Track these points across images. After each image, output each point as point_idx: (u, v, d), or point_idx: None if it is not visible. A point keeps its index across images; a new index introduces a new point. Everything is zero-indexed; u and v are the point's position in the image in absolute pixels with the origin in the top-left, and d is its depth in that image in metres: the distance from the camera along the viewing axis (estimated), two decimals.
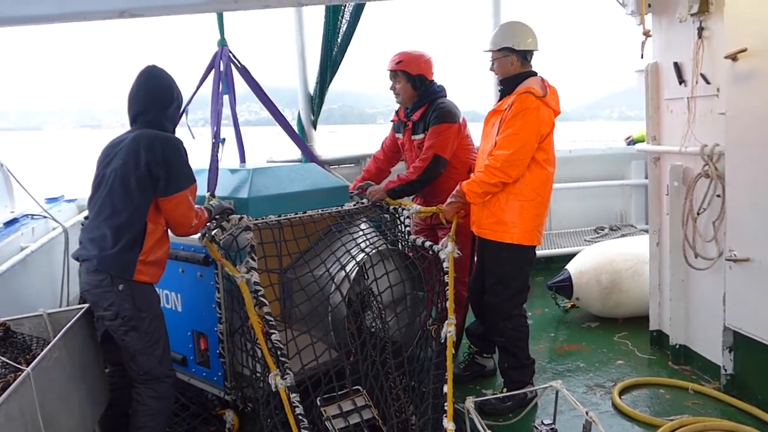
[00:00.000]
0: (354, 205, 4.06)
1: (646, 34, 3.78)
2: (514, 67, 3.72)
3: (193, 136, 3.94)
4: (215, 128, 3.79)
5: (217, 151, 3.72)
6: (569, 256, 5.45)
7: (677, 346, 4.23)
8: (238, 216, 3.35)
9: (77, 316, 2.83)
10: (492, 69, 3.84)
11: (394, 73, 4.26)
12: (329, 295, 3.41)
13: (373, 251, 3.59)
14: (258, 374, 3.16)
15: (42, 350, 2.51)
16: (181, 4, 3.99)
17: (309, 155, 5.07)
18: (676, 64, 3.99)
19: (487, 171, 3.57)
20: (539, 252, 5.30)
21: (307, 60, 5.58)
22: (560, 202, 6.45)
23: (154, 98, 3.02)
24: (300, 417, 2.85)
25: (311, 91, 5.58)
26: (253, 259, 3.20)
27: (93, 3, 3.82)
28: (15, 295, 3.89)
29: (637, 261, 4.88)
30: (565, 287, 5.02)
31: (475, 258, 4.05)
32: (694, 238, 3.89)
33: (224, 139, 3.85)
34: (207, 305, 3.39)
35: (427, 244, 3.80)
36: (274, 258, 3.43)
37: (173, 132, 3.10)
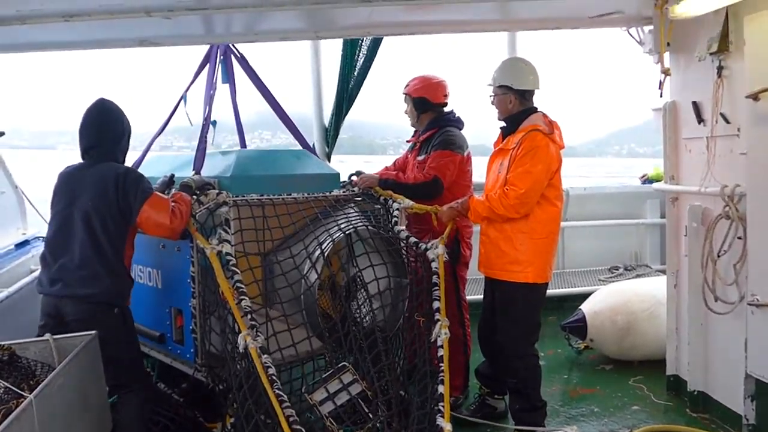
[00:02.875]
0: (343, 191, 3.95)
1: (665, 72, 3.75)
2: (512, 105, 3.71)
3: (191, 123, 4.06)
4: (206, 111, 3.85)
5: (206, 133, 3.76)
6: (583, 296, 5.36)
7: (695, 393, 4.10)
8: (217, 191, 3.32)
9: (83, 343, 2.78)
10: (492, 104, 3.82)
11: (404, 98, 4.38)
12: (305, 274, 3.29)
13: (352, 230, 3.46)
14: (231, 344, 3.08)
15: (45, 375, 2.48)
16: (200, 35, 4.06)
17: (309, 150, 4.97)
18: (694, 103, 3.95)
19: (498, 201, 3.53)
20: (552, 291, 5.20)
21: (323, 91, 5.59)
22: (574, 240, 6.39)
23: (107, 133, 3.20)
24: (273, 378, 2.77)
25: (326, 122, 5.57)
26: (227, 232, 3.17)
27: (114, 32, 3.88)
28: (25, 317, 3.85)
29: (653, 302, 4.76)
30: (579, 328, 4.91)
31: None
32: (714, 281, 3.79)
33: (215, 122, 3.92)
34: (184, 281, 3.35)
35: (412, 240, 3.64)
36: (254, 241, 3.33)
37: (124, 161, 3.31)
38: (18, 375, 2.57)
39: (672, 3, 3.48)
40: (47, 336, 2.85)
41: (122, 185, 3.06)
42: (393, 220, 3.79)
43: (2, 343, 2.66)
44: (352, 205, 3.83)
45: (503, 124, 3.82)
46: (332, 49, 5.53)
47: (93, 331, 2.91)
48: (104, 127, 3.20)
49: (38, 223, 4.69)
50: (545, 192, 3.58)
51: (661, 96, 3.99)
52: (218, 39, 4.05)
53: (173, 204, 3.15)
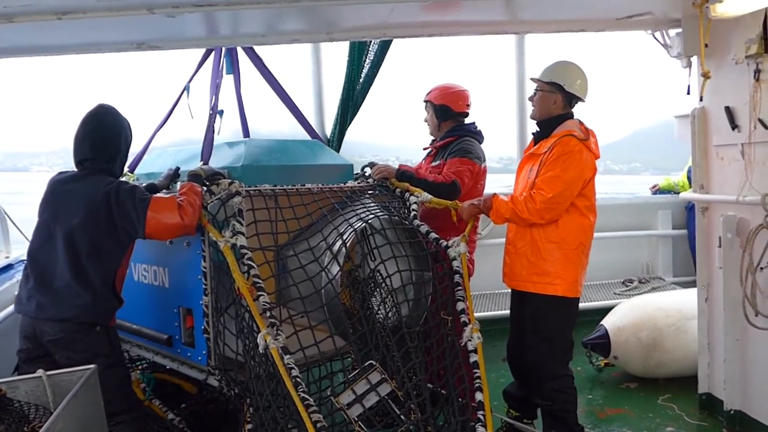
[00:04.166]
0: (358, 182, 3.75)
1: (706, 75, 3.55)
2: (556, 106, 3.53)
3: (192, 116, 3.96)
4: (213, 101, 3.72)
5: (213, 122, 3.63)
6: (598, 310, 5.21)
7: (732, 412, 3.88)
8: (229, 180, 3.12)
9: (82, 380, 2.44)
10: (532, 99, 3.62)
11: (425, 104, 4.22)
12: (326, 266, 3.06)
13: (373, 218, 3.23)
14: (248, 341, 2.86)
15: (41, 420, 2.23)
16: (203, 36, 3.78)
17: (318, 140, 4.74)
18: (727, 109, 3.76)
19: (523, 204, 3.35)
20: None
21: (324, 100, 5.34)
22: None
23: (102, 149, 2.99)
24: (297, 380, 2.55)
25: (328, 133, 5.31)
26: (240, 224, 2.96)
27: (110, 33, 3.58)
28: (11, 349, 3.52)
29: (679, 317, 4.56)
30: (602, 344, 4.69)
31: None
32: (755, 295, 3.58)
33: (222, 111, 3.75)
34: (194, 277, 3.12)
35: (433, 235, 3.40)
36: (268, 233, 3.11)
37: (121, 173, 3.15)
38: (9, 421, 2.26)
39: (713, 1, 3.27)
40: (40, 372, 2.50)
41: (116, 203, 2.87)
42: (411, 214, 3.54)
43: None
44: (368, 196, 3.60)
45: (536, 129, 3.64)
46: (332, 56, 5.30)
47: (92, 366, 2.56)
48: (100, 142, 3.00)
49: (23, 245, 4.35)
50: (576, 201, 3.41)
51: (701, 100, 3.78)
52: (222, 41, 3.78)
53: (181, 198, 2.94)
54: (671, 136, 5.88)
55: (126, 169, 3.80)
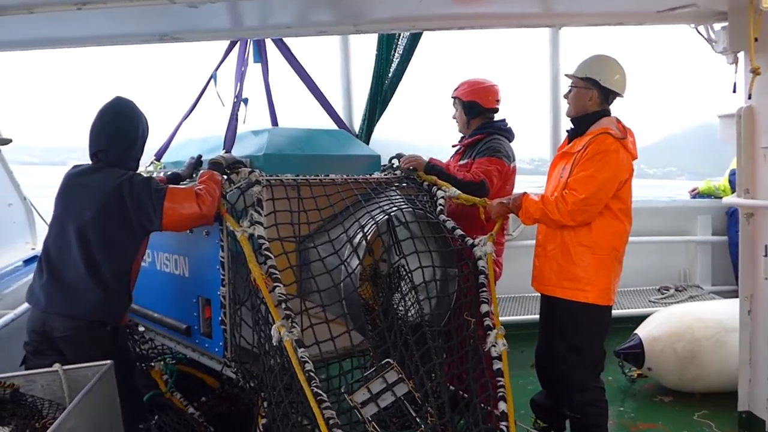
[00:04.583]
0: (384, 174, 3.62)
1: (756, 71, 3.34)
2: (592, 103, 3.36)
3: (223, 104, 3.84)
4: (237, 88, 3.65)
5: (237, 110, 3.57)
6: (631, 318, 5.03)
7: None
8: (249, 169, 3.05)
9: (97, 375, 2.41)
10: (567, 97, 3.46)
11: (453, 101, 4.08)
12: (346, 259, 2.95)
13: (396, 210, 3.11)
14: (263, 333, 2.78)
15: (54, 416, 2.18)
16: (227, 28, 3.70)
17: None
18: None
19: (553, 204, 3.20)
20: None
21: (353, 95, 5.24)
22: None
23: (117, 140, 2.94)
24: (311, 374, 2.48)
25: (356, 129, 5.20)
26: (259, 213, 2.88)
27: (132, 24, 3.52)
28: None
29: (719, 329, 4.33)
30: (636, 355, 4.48)
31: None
32: None
33: (246, 99, 3.72)
34: (212, 267, 3.06)
35: (459, 232, 3.26)
36: (288, 224, 3.04)
37: (136, 168, 3.07)
38: (22, 416, 2.21)
39: None
40: (56, 367, 2.49)
41: (130, 195, 2.81)
42: (438, 208, 3.41)
43: (5, 376, 2.32)
44: (394, 189, 3.47)
45: (570, 126, 3.48)
46: (361, 50, 5.21)
47: (108, 361, 2.54)
48: (116, 133, 2.95)
49: None
50: (610, 203, 3.24)
51: (750, 98, 3.56)
52: (248, 33, 3.70)
53: (200, 187, 2.88)
54: (708, 139, 5.67)
55: (153, 157, 3.83)
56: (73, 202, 2.87)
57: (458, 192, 3.47)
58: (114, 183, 2.82)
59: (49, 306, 2.82)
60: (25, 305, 3.56)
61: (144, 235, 2.94)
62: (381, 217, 3.02)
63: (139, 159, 3.11)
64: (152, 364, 3.78)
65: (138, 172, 3.02)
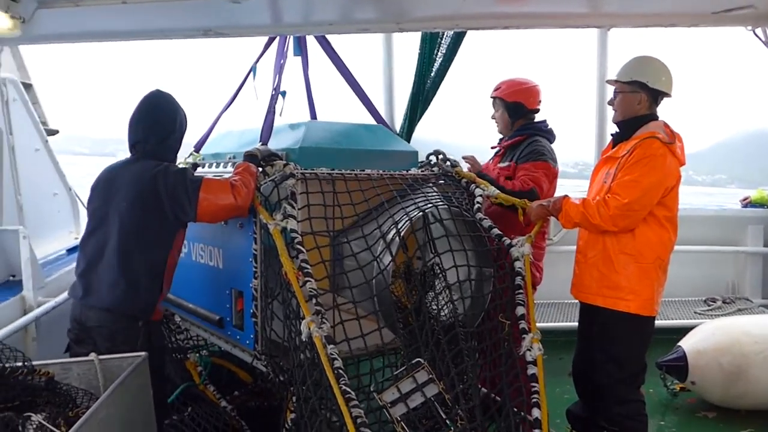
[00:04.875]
0: (422, 171, 3.57)
1: None
2: (641, 106, 3.25)
3: (257, 97, 3.85)
4: (276, 81, 3.62)
5: (275, 103, 3.54)
6: (675, 330, 4.86)
7: None
8: (284, 162, 3.03)
9: (131, 366, 2.43)
10: (612, 103, 3.36)
11: (493, 101, 3.99)
12: (378, 255, 2.90)
13: (431, 207, 3.04)
14: (293, 328, 2.76)
15: (88, 404, 2.20)
16: (271, 24, 3.70)
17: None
18: None
19: (595, 209, 3.10)
20: None
21: (395, 94, 5.20)
22: None
23: (154, 130, 2.97)
24: (340, 372, 2.43)
25: (397, 128, 5.17)
26: (292, 207, 2.86)
27: (176, 19, 3.56)
28: None
29: None
30: (679, 368, 4.33)
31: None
32: None
33: (284, 92, 3.67)
34: (246, 260, 3.05)
35: (496, 232, 3.17)
36: (321, 218, 3.02)
37: (174, 160, 3.08)
38: (56, 404, 2.23)
39: None
40: (92, 356, 2.53)
41: (164, 185, 2.82)
42: (475, 207, 3.33)
43: (42, 363, 2.36)
44: (431, 185, 3.42)
45: (615, 129, 3.38)
46: (404, 48, 5.17)
47: (143, 353, 2.57)
48: (153, 122, 2.99)
49: None
50: (655, 210, 3.13)
51: None
52: (290, 29, 3.69)
53: (235, 178, 2.88)
54: (761, 147, 5.44)
55: (192, 149, 3.85)
56: (111, 194, 2.90)
57: (497, 191, 3.40)
58: (149, 173, 2.84)
59: (85, 297, 2.86)
60: (66, 293, 3.66)
61: (179, 226, 2.94)
62: (415, 213, 2.97)
63: (177, 151, 3.12)
64: (187, 355, 3.81)
65: (169, 163, 3.03)
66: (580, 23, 3.78)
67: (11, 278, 3.88)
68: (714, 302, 5.89)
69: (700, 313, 5.62)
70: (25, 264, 3.75)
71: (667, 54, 3.41)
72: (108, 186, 2.94)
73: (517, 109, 3.87)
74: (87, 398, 2.32)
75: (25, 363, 2.28)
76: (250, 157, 3.06)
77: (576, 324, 3.61)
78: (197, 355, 3.79)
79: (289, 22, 3.64)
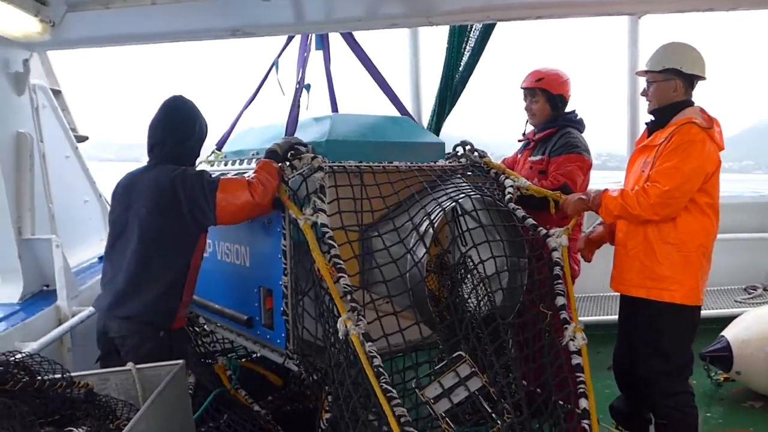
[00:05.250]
0: (449, 161, 3.51)
1: None
2: (677, 93, 3.18)
3: (283, 92, 3.81)
4: (299, 74, 3.60)
5: (299, 97, 3.50)
6: (717, 319, 4.80)
7: None
8: (311, 155, 2.96)
9: (169, 375, 2.39)
10: (645, 94, 3.29)
11: (533, 92, 3.88)
12: (412, 248, 2.85)
13: (464, 197, 2.99)
14: (328, 326, 2.71)
15: (128, 415, 2.18)
16: (297, 23, 3.67)
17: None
18: None
19: (634, 199, 3.03)
20: None
21: (421, 89, 5.14)
22: None
23: (173, 132, 2.97)
24: (379, 370, 2.38)
25: (425, 124, 5.10)
26: (322, 201, 2.80)
27: (205, 19, 3.53)
28: None
29: None
30: (723, 358, 4.26)
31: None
32: None
33: (309, 85, 3.64)
34: (274, 257, 2.98)
35: (530, 222, 3.11)
36: (351, 212, 2.98)
37: (193, 164, 3.06)
38: (97, 416, 2.20)
39: None
40: (130, 365, 2.49)
41: (183, 188, 2.80)
42: (506, 197, 3.28)
43: (81, 375, 2.34)
44: (460, 176, 3.37)
45: (651, 118, 3.30)
46: (431, 42, 5.11)
47: (180, 361, 2.53)
48: (170, 125, 2.98)
49: None
50: (696, 197, 3.07)
51: None
52: (318, 26, 3.65)
53: (252, 176, 2.85)
54: None
55: (214, 146, 3.83)
56: (130, 201, 2.89)
57: (528, 182, 3.35)
58: (168, 178, 2.83)
59: (106, 308, 2.86)
60: None
61: (199, 231, 2.92)
62: (448, 203, 2.92)
63: (196, 156, 3.12)
64: (216, 359, 3.74)
65: (187, 167, 3.00)
66: (613, 11, 3.68)
67: (45, 288, 3.83)
68: (755, 290, 5.79)
69: (740, 302, 5.53)
70: (58, 273, 3.70)
71: (693, 41, 3.30)
72: (127, 193, 2.93)
73: (563, 101, 3.83)
74: (127, 409, 2.29)
75: (64, 375, 2.24)
76: (270, 153, 3.01)
77: (613, 317, 3.56)
78: (225, 358, 3.73)
79: (316, 19, 3.60)
